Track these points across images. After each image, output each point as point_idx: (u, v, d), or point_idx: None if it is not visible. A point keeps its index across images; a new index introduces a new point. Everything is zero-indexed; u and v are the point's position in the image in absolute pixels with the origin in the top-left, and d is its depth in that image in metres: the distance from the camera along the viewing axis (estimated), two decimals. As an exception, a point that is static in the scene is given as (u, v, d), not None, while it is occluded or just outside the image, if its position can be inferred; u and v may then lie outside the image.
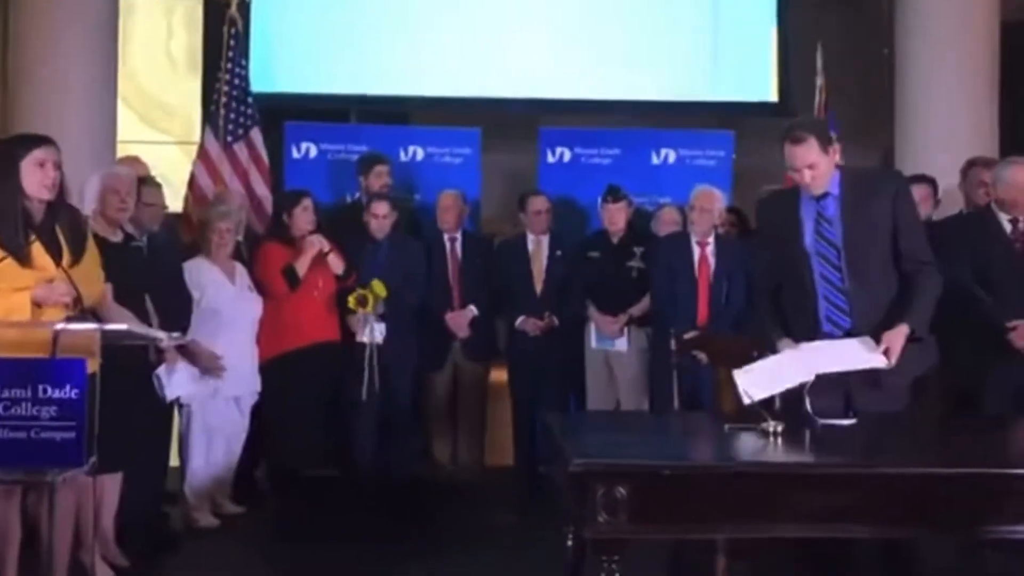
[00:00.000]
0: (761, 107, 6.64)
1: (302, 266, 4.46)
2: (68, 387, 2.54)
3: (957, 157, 4.79)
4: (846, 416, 2.84)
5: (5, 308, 2.77)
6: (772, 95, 6.69)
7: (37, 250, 2.81)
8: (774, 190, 3.31)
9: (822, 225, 2.99)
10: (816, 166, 2.92)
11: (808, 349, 2.89)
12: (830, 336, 2.98)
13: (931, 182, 4.66)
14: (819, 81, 5.63)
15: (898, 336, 2.86)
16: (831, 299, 2.99)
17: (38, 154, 2.84)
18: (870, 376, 2.88)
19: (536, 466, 4.80)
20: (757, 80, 6.66)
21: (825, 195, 2.99)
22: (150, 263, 3.70)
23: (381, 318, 4.61)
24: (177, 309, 3.80)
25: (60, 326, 2.66)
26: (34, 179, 2.83)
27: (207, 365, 3.94)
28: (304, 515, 4.38)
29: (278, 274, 4.45)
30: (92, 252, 3.02)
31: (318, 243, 4.52)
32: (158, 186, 4.14)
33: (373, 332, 4.58)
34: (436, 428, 5.01)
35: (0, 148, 2.96)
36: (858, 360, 2.86)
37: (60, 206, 2.91)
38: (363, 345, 4.60)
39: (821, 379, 2.81)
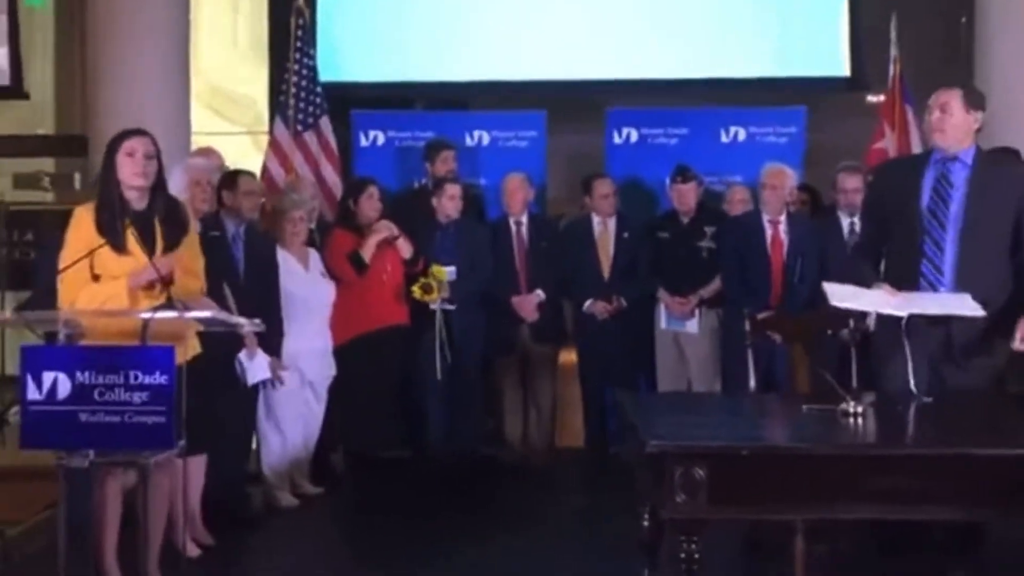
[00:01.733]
0: (833, 82, 6.49)
1: (368, 251, 4.54)
2: (158, 373, 2.63)
3: (1039, 129, 4.62)
4: (932, 393, 2.81)
5: (104, 297, 2.89)
6: (844, 69, 6.52)
7: (131, 238, 2.92)
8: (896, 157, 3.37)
9: (943, 186, 3.02)
10: (948, 109, 2.99)
11: (906, 295, 2.90)
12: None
13: (1015, 155, 4.51)
14: (893, 53, 5.46)
15: None
16: (934, 260, 3.00)
17: (129, 144, 2.96)
18: (957, 355, 2.85)
19: (607, 447, 4.81)
20: (828, 54, 6.50)
21: (954, 160, 3.02)
22: (245, 253, 3.82)
23: (446, 301, 4.66)
24: (268, 297, 3.92)
25: (148, 315, 2.75)
26: (126, 168, 2.94)
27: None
28: (379, 495, 4.48)
29: (345, 260, 4.54)
30: (192, 246, 3.11)
31: (386, 228, 4.58)
32: (252, 174, 4.24)
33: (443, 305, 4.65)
34: (507, 410, 5.05)
35: (108, 143, 3.07)
36: (955, 308, 2.85)
37: (159, 196, 3.01)
38: (433, 322, 4.65)
39: (905, 357, 2.78)
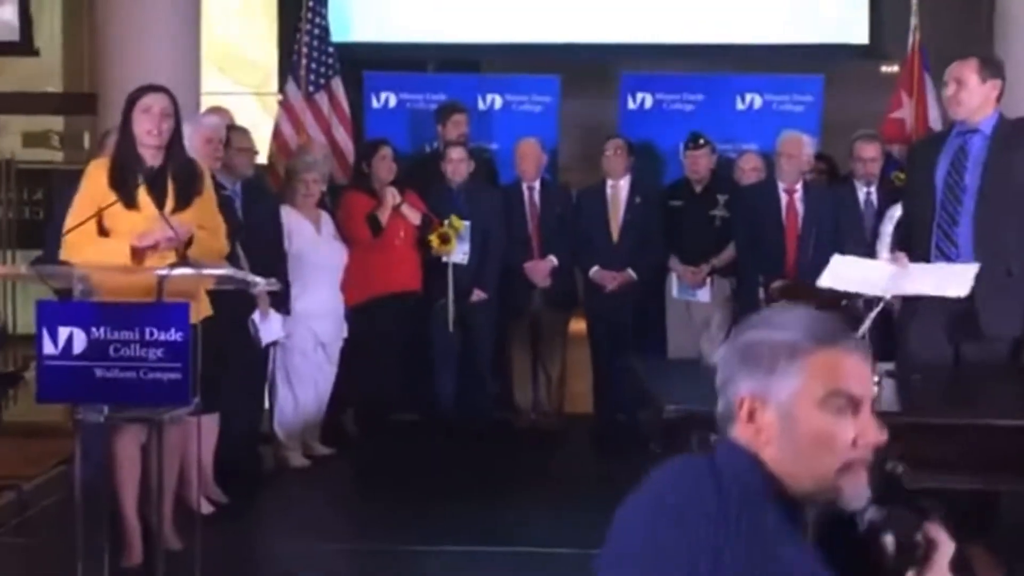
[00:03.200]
0: (851, 50, 6.36)
1: (384, 213, 4.52)
2: (173, 330, 2.61)
3: (1060, 100, 4.55)
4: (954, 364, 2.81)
5: (107, 253, 2.85)
6: (863, 37, 6.40)
7: (143, 195, 2.90)
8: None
9: (959, 159, 3.00)
10: (963, 83, 2.95)
11: (909, 270, 2.88)
12: None
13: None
14: (913, 22, 5.37)
15: None
16: (949, 233, 2.97)
17: (145, 101, 2.93)
18: (971, 327, 2.84)
19: (616, 414, 4.82)
20: (847, 21, 6.37)
21: (974, 131, 2.99)
22: (242, 211, 3.79)
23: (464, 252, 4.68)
24: (271, 255, 3.89)
25: (164, 272, 2.74)
26: (141, 125, 2.92)
27: None
28: (389, 457, 4.50)
29: (361, 221, 4.52)
30: (208, 206, 3.07)
31: (390, 196, 4.55)
32: (246, 131, 4.22)
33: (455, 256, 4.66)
34: (517, 375, 5.06)
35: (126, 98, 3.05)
36: (942, 287, 2.82)
37: (174, 154, 2.98)
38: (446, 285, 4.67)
39: (928, 328, 2.78)
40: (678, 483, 1.21)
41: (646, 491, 1.24)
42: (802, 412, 1.19)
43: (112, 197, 2.87)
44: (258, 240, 3.88)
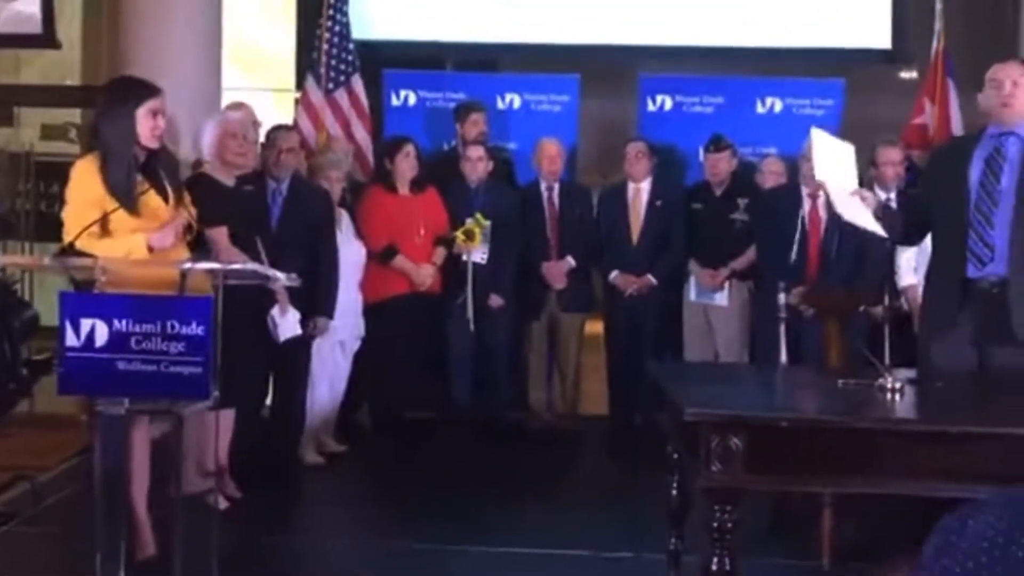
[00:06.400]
0: (873, 54, 6.32)
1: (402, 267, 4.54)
2: (195, 324, 2.61)
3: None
4: (978, 371, 2.78)
5: (124, 249, 2.84)
6: (885, 41, 6.36)
7: (149, 195, 2.90)
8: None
9: (996, 161, 2.97)
10: (1019, 85, 2.93)
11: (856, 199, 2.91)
12: (972, 273, 2.94)
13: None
14: (937, 26, 5.33)
15: None
16: (981, 233, 2.93)
17: (152, 104, 2.90)
18: (1001, 332, 2.81)
19: (631, 416, 4.80)
20: (869, 24, 6.34)
21: (1009, 135, 2.97)
22: (286, 208, 3.84)
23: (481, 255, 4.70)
24: (317, 253, 4.00)
25: (187, 265, 2.74)
26: (147, 129, 2.89)
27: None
28: (403, 455, 4.49)
29: (381, 220, 4.51)
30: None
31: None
32: (292, 129, 4.26)
33: (475, 256, 4.68)
34: (533, 376, 5.05)
35: (115, 92, 3.00)
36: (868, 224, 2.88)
37: (161, 150, 2.99)
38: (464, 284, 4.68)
39: (950, 333, 2.75)
40: None
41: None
42: None
43: (112, 204, 2.83)
44: (307, 237, 3.95)
